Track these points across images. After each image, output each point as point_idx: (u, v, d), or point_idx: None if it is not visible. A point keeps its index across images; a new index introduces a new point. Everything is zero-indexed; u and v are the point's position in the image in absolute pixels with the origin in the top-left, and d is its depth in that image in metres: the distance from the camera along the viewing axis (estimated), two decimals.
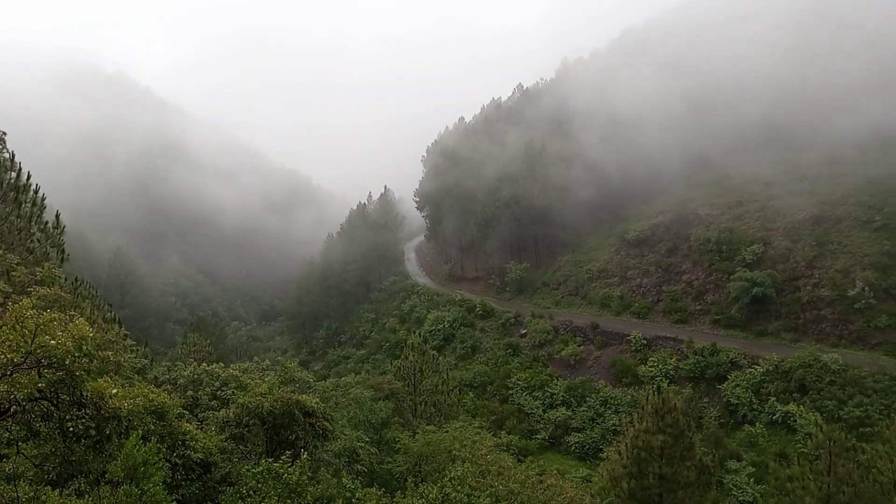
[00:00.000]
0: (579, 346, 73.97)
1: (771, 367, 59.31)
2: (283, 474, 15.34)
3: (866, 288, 62.32)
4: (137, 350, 30.68)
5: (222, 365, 27.54)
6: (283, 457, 16.12)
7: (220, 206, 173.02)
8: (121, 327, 28.04)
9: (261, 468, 15.73)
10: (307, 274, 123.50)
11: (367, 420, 28.92)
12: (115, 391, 11.85)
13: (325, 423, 20.03)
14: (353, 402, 29.62)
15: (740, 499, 46.72)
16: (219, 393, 24.68)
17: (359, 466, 22.36)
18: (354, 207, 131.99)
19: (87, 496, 12.28)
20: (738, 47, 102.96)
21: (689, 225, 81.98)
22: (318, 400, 20.80)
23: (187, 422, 18.23)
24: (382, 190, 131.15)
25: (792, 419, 54.73)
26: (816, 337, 63.77)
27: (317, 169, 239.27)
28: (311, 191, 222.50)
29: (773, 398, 57.23)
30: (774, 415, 56.13)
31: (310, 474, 15.90)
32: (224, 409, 21.07)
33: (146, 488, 12.16)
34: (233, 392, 23.76)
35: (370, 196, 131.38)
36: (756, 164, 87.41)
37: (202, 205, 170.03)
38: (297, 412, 19.27)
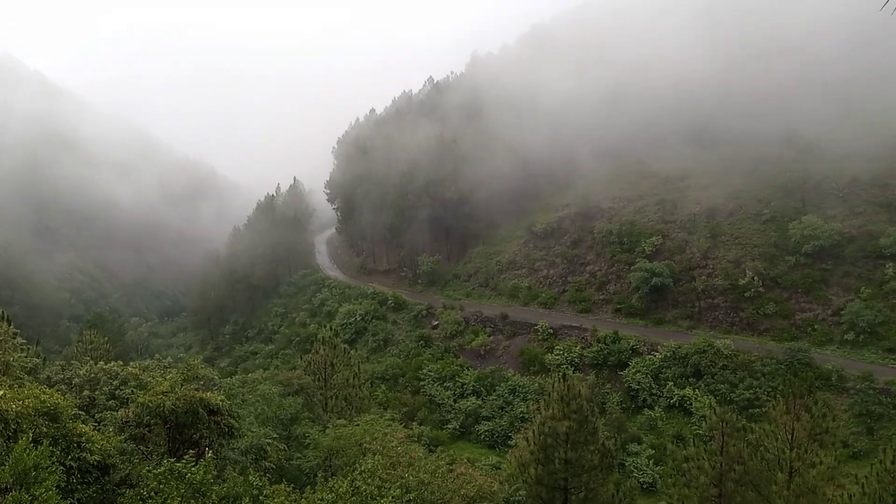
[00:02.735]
0: (489, 336, 75.29)
1: (669, 354, 62.35)
2: (186, 474, 14.93)
3: (755, 277, 66.50)
4: (28, 349, 28.87)
5: (121, 363, 26.40)
6: (186, 456, 15.69)
7: (117, 199, 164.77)
8: (9, 325, 26.31)
9: (163, 469, 15.25)
10: (212, 268, 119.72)
11: (276, 416, 28.46)
12: (0, 393, 11.20)
13: (231, 420, 19.59)
14: (261, 399, 29.07)
15: (641, 480, 48.95)
16: (117, 392, 23.68)
17: (267, 463, 22.02)
18: (262, 199, 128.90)
19: None
20: (652, 46, 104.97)
21: (593, 217, 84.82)
22: (223, 397, 20.31)
23: (83, 423, 17.40)
24: (292, 181, 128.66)
25: (688, 402, 57.84)
26: (710, 324, 67.53)
27: (222, 160, 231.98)
28: (215, 182, 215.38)
29: (670, 383, 60.25)
30: (672, 399, 59.12)
31: (215, 473, 15.54)
32: (123, 409, 20.25)
33: (38, 494, 11.57)
34: (132, 391, 22.85)
35: (279, 188, 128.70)
36: (672, 160, 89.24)
37: (98, 198, 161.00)
38: (201, 410, 18.75)
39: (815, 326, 62.42)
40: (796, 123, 78.99)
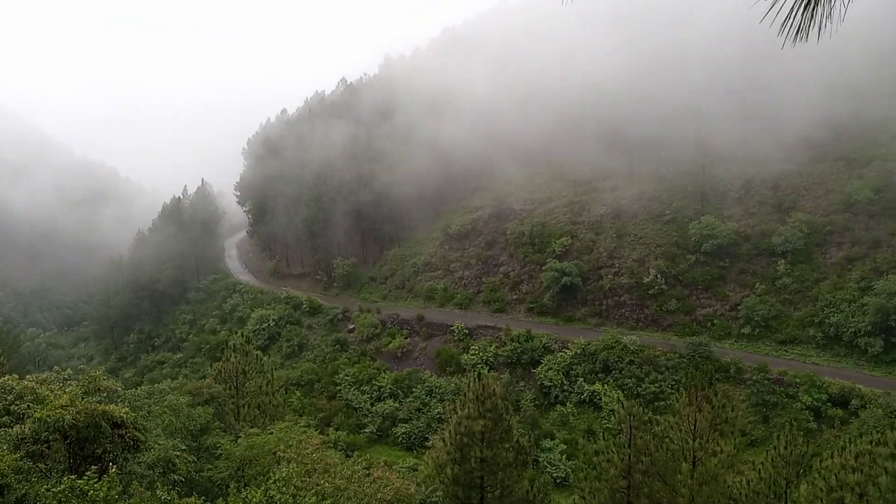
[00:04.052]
0: (406, 338, 75.36)
1: (579, 351, 64.24)
2: (89, 491, 14.26)
3: (658, 275, 69.51)
4: None
5: (16, 376, 24.83)
6: (88, 473, 14.98)
7: (9, 203, 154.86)
8: None
9: (63, 486, 14.50)
10: (115, 274, 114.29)
11: (185, 427, 27.51)
12: None
13: (137, 433, 18.82)
14: (169, 410, 28.00)
15: (554, 475, 50.15)
16: (12, 408, 22.24)
17: (175, 476, 21.26)
18: (168, 202, 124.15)
19: None
20: (568, 52, 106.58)
21: (506, 219, 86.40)
22: (128, 409, 19.49)
23: None
24: (200, 183, 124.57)
25: (598, 397, 59.77)
26: (617, 321, 70.06)
27: (126, 161, 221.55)
28: (118, 185, 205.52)
29: (581, 379, 62.10)
30: (583, 394, 60.95)
31: (120, 489, 14.91)
32: (18, 426, 19.09)
33: None
34: (28, 406, 21.55)
35: (186, 190, 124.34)
36: (585, 162, 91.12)
37: None
38: (103, 424, 17.92)
39: (715, 321, 65.85)
40: (706, 128, 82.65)
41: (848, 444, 21.83)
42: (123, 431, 18.49)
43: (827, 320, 60.00)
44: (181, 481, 21.68)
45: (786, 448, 25.11)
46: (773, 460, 25.48)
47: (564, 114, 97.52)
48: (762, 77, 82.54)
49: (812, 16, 5.25)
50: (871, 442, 20.44)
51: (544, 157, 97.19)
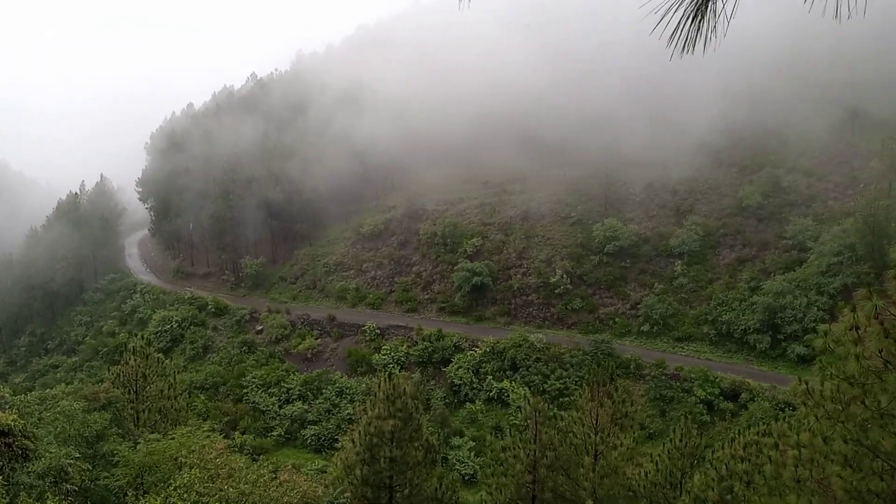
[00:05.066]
0: (316, 339, 74.46)
1: (488, 349, 65.35)
2: None
3: (564, 275, 71.67)
4: None
5: None
6: None
7: None
8: None
9: None
10: (4, 273, 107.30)
11: (80, 434, 26.20)
12: None
13: (26, 441, 17.91)
14: (62, 416, 26.60)
15: (462, 472, 50.81)
16: None
17: (68, 486, 20.28)
18: (64, 198, 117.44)
19: None
20: (487, 56, 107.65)
21: (418, 219, 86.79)
22: (16, 416, 18.49)
23: None
24: (99, 178, 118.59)
25: (506, 395, 61.00)
26: (525, 319, 71.73)
27: (17, 153, 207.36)
28: (8, 178, 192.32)
29: (490, 377, 63.21)
30: (491, 392, 62.06)
31: (6, 501, 14.15)
32: None
33: None
34: None
35: (83, 185, 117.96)
36: (500, 165, 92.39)
37: None
38: None
39: (616, 319, 68.53)
40: (615, 134, 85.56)
41: (737, 436, 23.14)
42: (11, 440, 17.56)
43: (720, 318, 63.60)
44: (75, 491, 20.74)
45: (681, 440, 26.41)
46: (669, 452, 26.73)
47: (481, 116, 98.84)
48: (669, 86, 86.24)
49: (699, 28, 5.32)
50: (758, 433, 21.77)
51: (460, 157, 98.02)
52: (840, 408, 9.59)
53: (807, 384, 10.78)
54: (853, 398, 9.16)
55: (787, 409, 40.24)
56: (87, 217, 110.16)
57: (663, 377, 58.37)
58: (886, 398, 8.76)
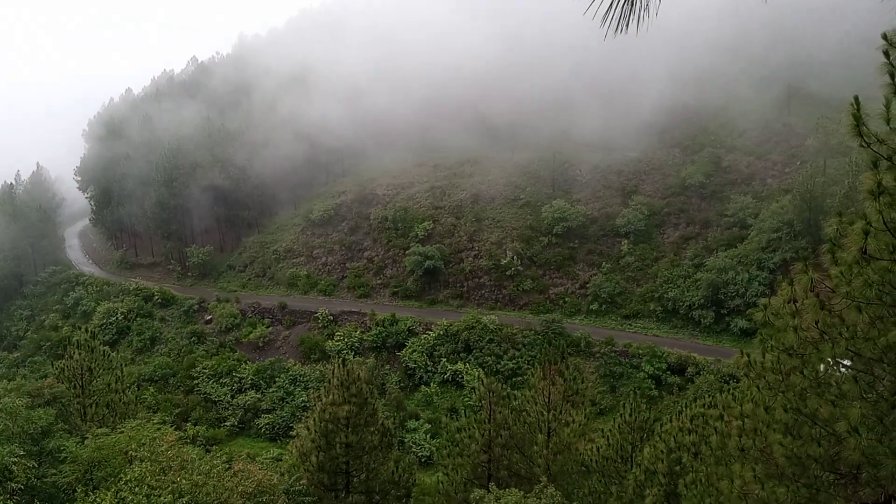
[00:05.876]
0: (268, 327, 73.55)
1: (442, 332, 65.68)
2: None
3: (515, 257, 72.41)
4: None
5: None
6: None
7: None
8: None
9: None
10: None
11: (24, 431, 25.43)
12: None
13: None
14: (4, 413, 25.77)
15: (419, 454, 51.23)
16: None
17: (13, 485, 19.72)
18: None
19: None
20: (441, 39, 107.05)
21: (369, 204, 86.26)
22: None
23: None
24: (35, 168, 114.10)
25: (460, 376, 61.51)
26: (478, 302, 72.27)
27: None
28: None
29: (444, 359, 63.60)
30: (446, 374, 62.48)
31: None
32: None
33: None
34: None
35: (18, 175, 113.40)
36: (453, 148, 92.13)
37: None
38: None
39: (566, 299, 69.64)
40: (568, 116, 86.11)
41: (684, 409, 23.85)
42: None
43: (665, 295, 65.23)
44: (20, 489, 20.19)
45: (631, 415, 27.09)
46: (619, 427, 27.41)
47: (433, 99, 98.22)
48: (619, 68, 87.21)
49: (632, 7, 5.39)
50: (704, 405, 22.48)
51: (412, 140, 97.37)
52: (780, 378, 9.99)
53: (749, 356, 11.19)
54: (792, 368, 9.55)
55: (731, 382, 41.56)
56: (23, 209, 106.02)
57: (613, 354, 59.67)
58: (823, 367, 9.16)
